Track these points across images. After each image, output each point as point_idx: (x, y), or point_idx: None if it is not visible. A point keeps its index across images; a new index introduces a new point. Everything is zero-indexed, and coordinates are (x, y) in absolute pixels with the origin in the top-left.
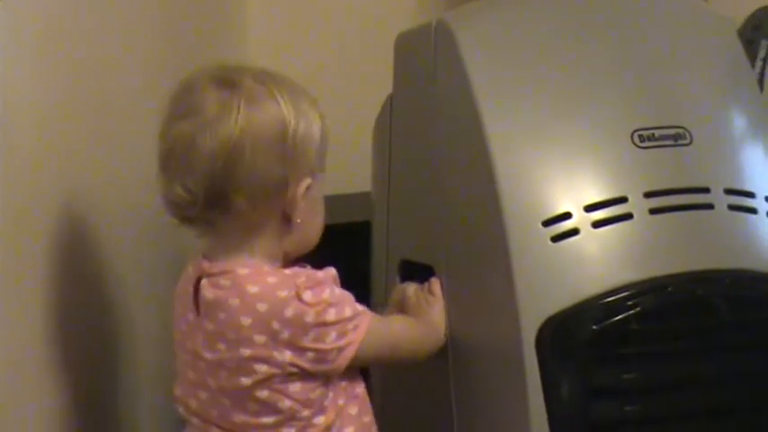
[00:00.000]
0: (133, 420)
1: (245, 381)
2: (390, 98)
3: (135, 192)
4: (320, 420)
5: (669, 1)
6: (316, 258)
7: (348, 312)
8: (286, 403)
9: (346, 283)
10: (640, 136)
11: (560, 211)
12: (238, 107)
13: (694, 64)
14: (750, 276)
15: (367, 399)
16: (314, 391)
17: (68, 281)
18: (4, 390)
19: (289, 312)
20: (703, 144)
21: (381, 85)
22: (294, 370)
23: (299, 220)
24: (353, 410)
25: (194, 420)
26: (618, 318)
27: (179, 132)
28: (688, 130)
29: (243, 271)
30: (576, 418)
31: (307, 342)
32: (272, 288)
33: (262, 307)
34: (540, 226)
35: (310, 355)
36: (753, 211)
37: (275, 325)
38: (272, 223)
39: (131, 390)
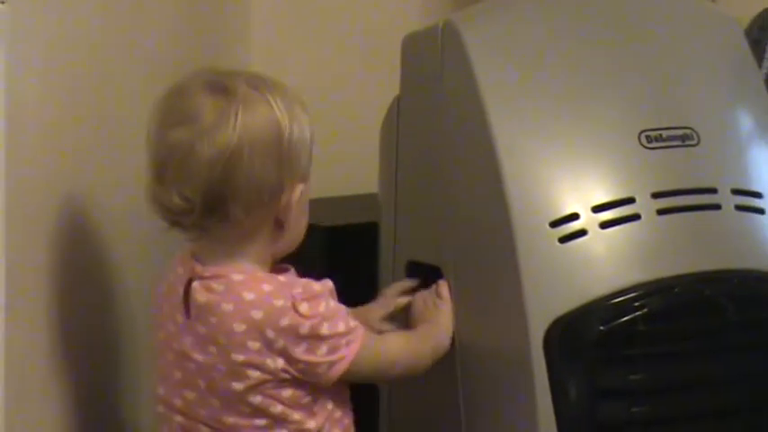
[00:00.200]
0: (135, 420)
1: (238, 385)
2: (397, 99)
3: (139, 193)
4: (311, 424)
5: (676, 1)
6: (321, 260)
7: (342, 328)
8: (278, 408)
9: (353, 284)
10: (647, 136)
11: (568, 211)
12: (236, 114)
13: (701, 64)
14: (758, 277)
15: (348, 402)
16: (305, 396)
17: (73, 282)
18: (12, 390)
19: (284, 322)
20: (710, 144)
21: (388, 86)
22: (286, 376)
23: (288, 226)
24: (338, 414)
25: (178, 418)
26: (625, 318)
27: (176, 140)
28: (695, 131)
29: (237, 277)
30: (584, 419)
31: (298, 353)
32: (267, 296)
33: (257, 314)
34: (547, 227)
35: (301, 366)
36: (760, 211)
37: (270, 333)
38: (266, 229)
39: (134, 388)
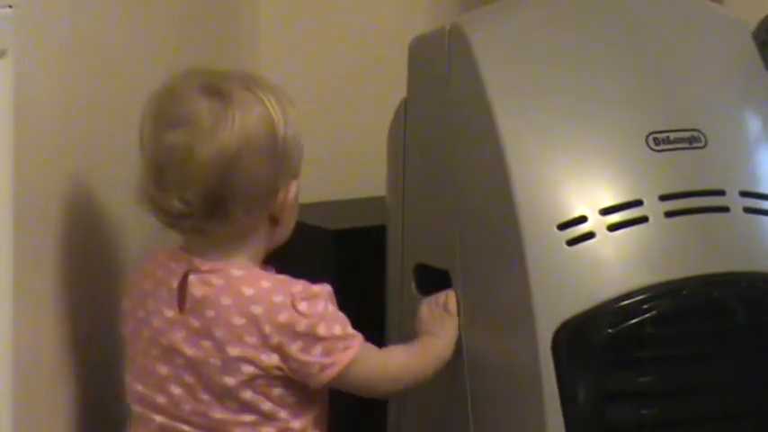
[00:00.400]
0: None
1: (230, 380)
2: (405, 102)
3: None
4: (296, 424)
5: (684, 4)
6: (329, 263)
7: (338, 331)
8: (266, 405)
9: (361, 287)
10: (655, 139)
11: (576, 214)
12: (233, 116)
13: (709, 66)
14: (766, 279)
15: (326, 405)
16: (292, 396)
17: (81, 281)
18: (20, 391)
19: (282, 318)
20: (718, 147)
21: (395, 89)
22: (279, 373)
23: (282, 223)
24: (323, 417)
25: (158, 418)
26: (633, 321)
27: (173, 143)
28: (703, 133)
29: (237, 272)
30: (593, 422)
31: (294, 350)
32: (267, 292)
33: (256, 309)
34: (555, 229)
35: (294, 364)
36: None
37: (267, 328)
38: (262, 226)
39: None
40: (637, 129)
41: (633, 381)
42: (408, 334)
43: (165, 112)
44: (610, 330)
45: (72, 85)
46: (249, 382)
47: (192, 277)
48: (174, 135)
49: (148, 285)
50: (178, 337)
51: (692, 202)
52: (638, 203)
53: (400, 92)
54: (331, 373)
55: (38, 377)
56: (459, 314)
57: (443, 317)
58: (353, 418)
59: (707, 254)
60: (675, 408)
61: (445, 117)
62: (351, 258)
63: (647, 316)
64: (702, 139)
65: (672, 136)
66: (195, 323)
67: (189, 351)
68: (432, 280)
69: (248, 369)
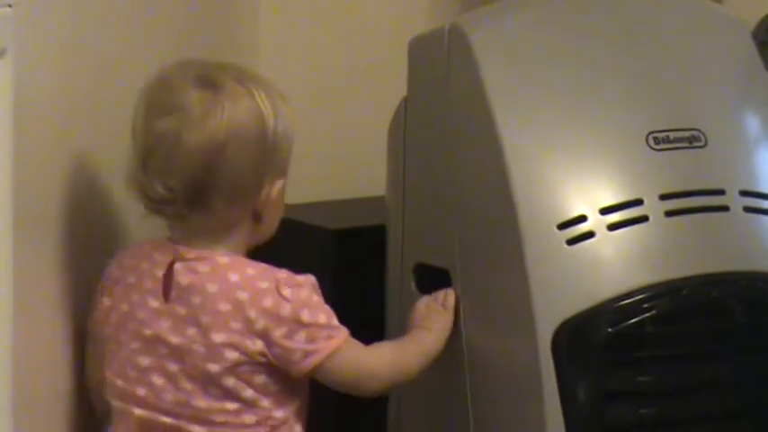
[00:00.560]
0: None
1: (214, 367)
2: (404, 102)
3: None
4: (278, 414)
5: (683, 3)
6: (329, 262)
7: (322, 320)
8: (249, 392)
9: (361, 287)
10: (655, 138)
11: (575, 213)
12: (223, 107)
13: (708, 66)
14: (766, 278)
15: (307, 399)
16: (275, 384)
17: (81, 282)
18: (24, 390)
19: (267, 303)
20: (718, 146)
21: (395, 88)
22: (262, 360)
23: (266, 218)
24: (304, 411)
25: (137, 412)
26: (633, 321)
27: (163, 129)
28: (703, 132)
29: (223, 259)
30: (592, 421)
31: (277, 336)
32: (252, 279)
33: (242, 296)
34: (555, 229)
35: (277, 350)
36: None
37: (252, 314)
38: (245, 221)
39: None
40: (637, 128)
41: (633, 380)
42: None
43: (158, 100)
44: (609, 330)
45: (71, 84)
46: (233, 368)
47: (177, 266)
48: (164, 122)
49: (132, 278)
50: (164, 326)
51: (691, 202)
52: (638, 203)
53: (400, 91)
54: (313, 360)
55: (41, 379)
56: (457, 312)
57: (438, 311)
58: (353, 417)
59: (707, 253)
60: (675, 407)
61: (445, 116)
62: (350, 258)
63: (646, 315)
64: (702, 138)
65: (672, 135)
66: (181, 311)
67: (174, 339)
68: (431, 279)
69: (232, 355)
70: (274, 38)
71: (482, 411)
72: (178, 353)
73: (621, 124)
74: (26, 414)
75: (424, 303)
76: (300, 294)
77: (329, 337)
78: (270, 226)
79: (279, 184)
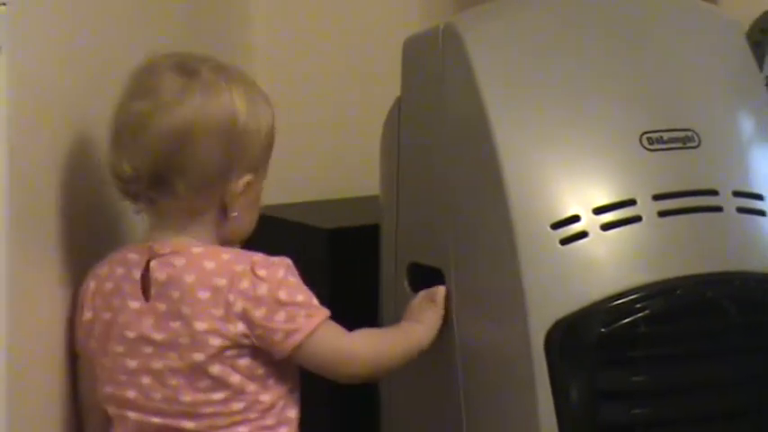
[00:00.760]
0: None
1: (199, 356)
2: (398, 101)
3: None
4: (265, 398)
5: (677, 4)
6: (323, 262)
7: (300, 298)
8: (235, 378)
9: (355, 286)
10: (649, 138)
11: (569, 213)
12: (194, 94)
13: (702, 66)
14: (759, 278)
15: (298, 384)
16: (260, 367)
17: (79, 281)
18: (15, 390)
19: (244, 284)
20: (712, 147)
21: (389, 88)
22: (246, 342)
23: (235, 214)
24: (296, 397)
25: (132, 415)
26: (626, 320)
27: (135, 111)
28: (696, 133)
29: (197, 250)
30: (585, 421)
31: (258, 317)
32: (228, 263)
33: (220, 281)
34: (548, 229)
35: (258, 330)
36: (761, 213)
37: (231, 297)
38: (211, 211)
39: None
40: (631, 128)
41: (626, 380)
42: None
43: (137, 83)
44: (603, 330)
45: (67, 83)
46: (218, 354)
47: (153, 263)
48: (137, 104)
49: (110, 285)
50: (146, 325)
51: (685, 202)
52: (631, 203)
53: (394, 91)
54: (296, 339)
55: (33, 375)
56: (447, 307)
57: (428, 306)
58: (347, 414)
59: (700, 253)
60: (668, 407)
61: (439, 116)
62: (345, 257)
63: (639, 315)
64: (696, 138)
65: (666, 136)
66: (162, 307)
67: (158, 336)
68: (425, 279)
69: (216, 341)
70: (268, 38)
71: (475, 411)
72: (163, 350)
73: (615, 124)
74: (20, 411)
75: (418, 299)
76: (276, 274)
77: (309, 316)
78: (242, 223)
79: (246, 178)
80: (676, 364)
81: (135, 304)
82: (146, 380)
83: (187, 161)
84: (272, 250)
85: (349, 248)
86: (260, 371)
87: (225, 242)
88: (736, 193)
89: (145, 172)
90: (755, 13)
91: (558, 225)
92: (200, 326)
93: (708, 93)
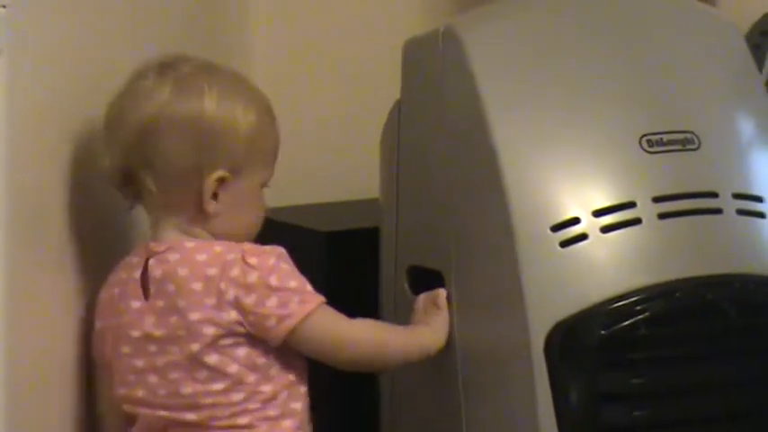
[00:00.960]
0: None
1: (194, 346)
2: (398, 104)
3: None
4: (266, 388)
5: (677, 6)
6: (322, 265)
7: (293, 284)
8: (233, 367)
9: (355, 289)
10: (648, 141)
11: (569, 216)
12: (166, 91)
13: (702, 68)
14: (759, 281)
15: (304, 376)
16: (260, 357)
17: (79, 281)
18: (27, 391)
19: (234, 272)
20: (711, 149)
21: (389, 91)
22: (240, 329)
23: (211, 210)
24: (301, 389)
25: (142, 411)
26: (627, 323)
27: (116, 106)
28: (696, 135)
29: (189, 244)
30: (586, 424)
31: (249, 303)
32: (219, 254)
33: (212, 271)
34: (548, 231)
35: (251, 317)
36: (761, 215)
37: (222, 285)
38: (190, 208)
39: None
40: (630, 130)
41: (626, 382)
42: None
43: (124, 84)
44: (603, 332)
45: (67, 84)
46: (213, 343)
47: (151, 261)
48: (119, 100)
49: (116, 291)
50: (148, 323)
51: (685, 204)
52: (631, 205)
53: (394, 93)
54: (289, 324)
55: (45, 379)
56: (449, 310)
57: (433, 311)
58: (347, 414)
59: (700, 256)
60: (668, 409)
61: (438, 119)
62: (344, 260)
63: (640, 317)
64: (696, 140)
65: (665, 138)
66: (160, 303)
67: (159, 333)
68: (425, 282)
69: (209, 330)
70: (268, 40)
71: (474, 413)
72: (165, 345)
73: (615, 126)
74: (19, 411)
75: (422, 302)
76: (267, 261)
77: (302, 302)
78: (234, 224)
79: (216, 175)
80: (677, 367)
81: (136, 304)
82: (152, 378)
83: (152, 155)
84: None
85: (347, 251)
86: (260, 360)
87: (231, 239)
88: (736, 196)
89: (118, 167)
90: (755, 15)
91: (557, 227)
92: (194, 316)
93: (708, 95)
